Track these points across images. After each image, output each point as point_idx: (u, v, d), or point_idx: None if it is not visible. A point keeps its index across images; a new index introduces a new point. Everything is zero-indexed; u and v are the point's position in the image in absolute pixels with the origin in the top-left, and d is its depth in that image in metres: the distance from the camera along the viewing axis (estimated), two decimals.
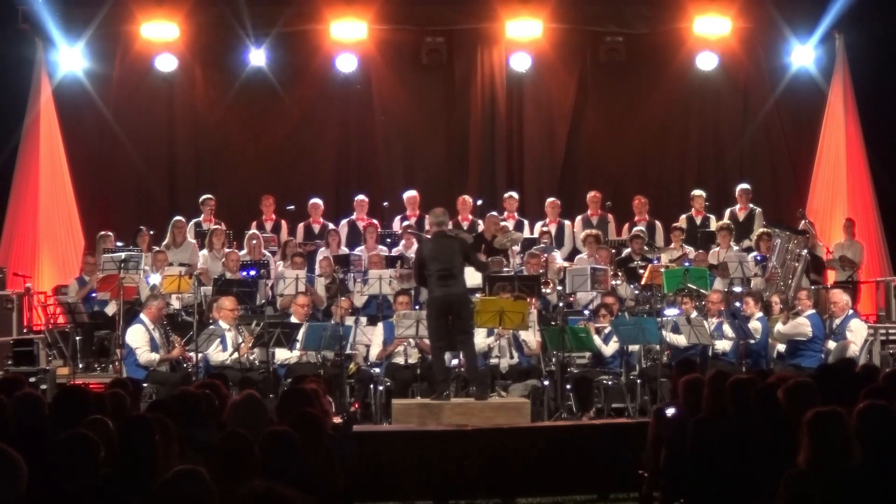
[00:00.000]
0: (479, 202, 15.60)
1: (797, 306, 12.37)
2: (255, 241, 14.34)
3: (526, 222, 15.57)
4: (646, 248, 14.60)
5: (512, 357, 12.30)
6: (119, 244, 14.53)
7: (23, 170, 15.82)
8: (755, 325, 12.25)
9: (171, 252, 14.30)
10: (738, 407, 6.51)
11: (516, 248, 14.31)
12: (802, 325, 12.06)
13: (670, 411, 7.64)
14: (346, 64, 16.46)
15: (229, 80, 16.67)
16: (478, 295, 12.37)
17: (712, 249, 14.57)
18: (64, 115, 16.13)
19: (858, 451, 5.03)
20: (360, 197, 15.69)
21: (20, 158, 15.80)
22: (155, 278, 13.24)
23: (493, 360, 12.05)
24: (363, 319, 12.94)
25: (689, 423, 6.71)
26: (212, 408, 6.86)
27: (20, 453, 4.36)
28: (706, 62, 16.65)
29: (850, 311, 12.48)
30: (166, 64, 16.30)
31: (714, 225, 15.31)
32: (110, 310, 13.29)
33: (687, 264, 13.66)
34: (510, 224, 15.13)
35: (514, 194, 15.87)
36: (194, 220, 15.18)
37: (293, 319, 12.23)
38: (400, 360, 12.16)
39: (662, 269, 13.35)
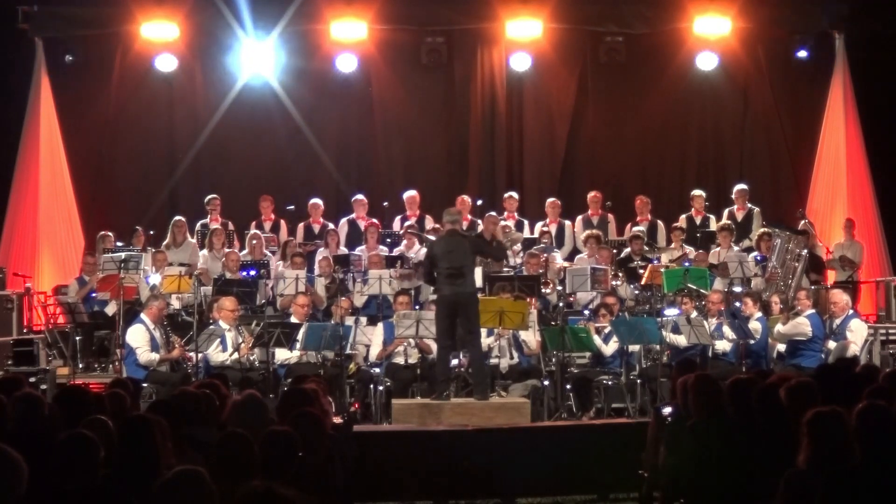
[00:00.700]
0: (479, 202, 15.59)
1: (797, 306, 12.37)
2: (255, 241, 14.34)
3: (526, 222, 15.57)
4: (646, 248, 14.60)
5: (512, 357, 12.31)
6: (119, 244, 14.53)
7: (23, 170, 15.82)
8: (755, 325, 12.25)
9: (171, 252, 14.30)
10: (738, 407, 6.51)
11: (516, 247, 14.31)
12: (802, 325, 12.06)
13: (667, 410, 7.65)
14: (346, 64, 16.45)
15: (229, 80, 16.65)
16: (478, 295, 12.38)
17: (713, 249, 14.57)
18: (64, 115, 16.12)
19: (858, 451, 5.04)
20: (359, 196, 15.68)
21: (20, 158, 15.81)
22: (155, 278, 13.25)
23: (493, 360, 12.05)
24: (363, 319, 12.94)
25: (688, 422, 6.71)
26: (212, 408, 6.86)
27: (20, 453, 4.36)
28: (706, 62, 16.64)
29: (851, 311, 12.48)
30: (166, 64, 16.29)
31: (714, 225, 15.31)
32: (110, 310, 13.30)
33: (687, 264, 13.66)
34: (510, 224, 15.12)
35: (514, 194, 15.87)
36: (201, 221, 15.16)
37: (293, 319, 12.24)
38: (400, 360, 12.16)
39: (662, 269, 13.36)
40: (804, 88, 16.92)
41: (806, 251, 13.82)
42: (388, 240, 14.99)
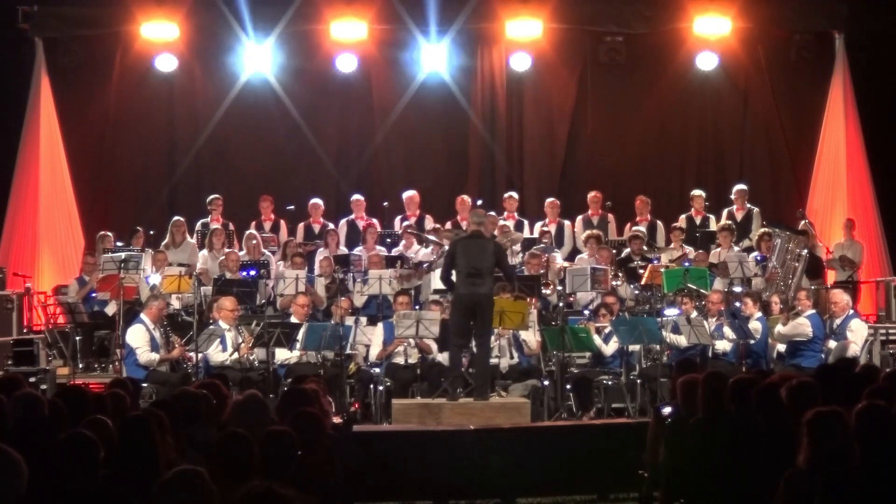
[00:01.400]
0: (479, 202, 15.58)
1: (797, 306, 12.37)
2: (254, 241, 14.34)
3: (526, 222, 15.56)
4: (645, 248, 14.60)
5: (512, 357, 12.31)
6: (119, 244, 14.52)
7: (23, 170, 15.83)
8: (755, 325, 12.25)
9: (171, 252, 14.30)
10: (739, 406, 6.51)
11: (516, 248, 14.31)
12: (802, 326, 12.06)
13: (666, 410, 7.65)
14: (346, 64, 16.45)
15: (229, 80, 16.65)
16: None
17: (713, 249, 14.56)
18: (64, 115, 16.12)
19: (858, 451, 5.04)
20: (357, 197, 15.68)
21: (20, 158, 15.81)
22: (155, 278, 13.25)
23: (493, 360, 12.04)
24: (363, 319, 12.94)
25: (688, 422, 6.70)
26: (212, 408, 6.86)
27: (20, 453, 4.36)
28: (706, 62, 16.64)
29: (851, 311, 12.48)
30: (166, 64, 16.29)
31: (714, 225, 15.31)
32: (110, 310, 13.30)
33: (687, 264, 13.66)
34: (510, 224, 15.13)
35: (514, 194, 15.87)
36: (201, 221, 15.16)
37: (293, 319, 12.24)
38: (400, 360, 12.16)
39: (662, 269, 13.36)
40: (804, 88, 16.92)
41: (806, 251, 13.82)
42: (388, 240, 15.00)
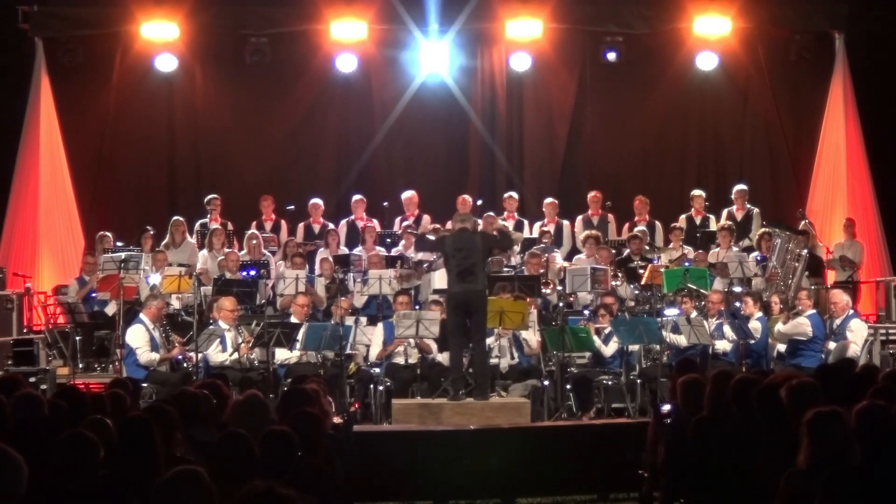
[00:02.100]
0: (479, 202, 15.59)
1: (797, 306, 12.37)
2: (254, 241, 14.34)
3: (526, 222, 15.56)
4: (646, 247, 14.60)
5: (512, 357, 12.31)
6: (119, 244, 14.52)
7: (23, 170, 15.82)
8: (755, 325, 12.25)
9: (171, 252, 14.30)
10: (739, 406, 6.51)
11: (516, 248, 14.31)
12: (803, 325, 12.06)
13: (665, 408, 7.65)
14: (346, 64, 16.45)
15: (229, 80, 16.67)
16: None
17: (712, 249, 14.56)
18: (64, 115, 16.12)
19: (858, 451, 5.03)
20: (357, 197, 15.68)
21: (20, 158, 15.80)
22: (155, 278, 13.24)
23: (493, 360, 12.04)
24: (363, 319, 12.94)
25: (688, 422, 6.70)
26: (212, 408, 6.86)
27: (20, 453, 4.36)
28: (706, 62, 16.64)
29: (851, 311, 12.48)
30: (166, 64, 16.29)
31: (714, 225, 15.30)
32: (110, 310, 13.30)
33: (687, 264, 13.66)
34: (510, 224, 15.12)
35: (514, 194, 15.87)
36: (200, 221, 15.16)
37: (293, 319, 12.23)
38: (400, 360, 12.16)
39: (662, 269, 13.35)
40: (804, 88, 16.92)
41: (806, 251, 13.82)
42: (388, 240, 15.00)
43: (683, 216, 15.59)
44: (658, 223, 15.57)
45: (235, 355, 11.80)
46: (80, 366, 12.73)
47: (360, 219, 15.45)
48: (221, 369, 11.36)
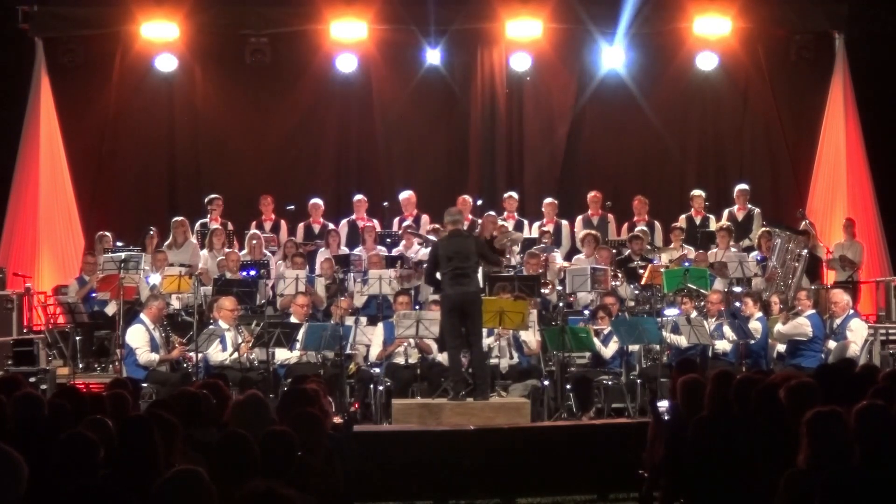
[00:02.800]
0: (479, 202, 15.59)
1: (797, 306, 12.37)
2: (255, 241, 14.34)
3: (526, 222, 15.56)
4: (647, 247, 14.59)
5: (512, 357, 12.31)
6: (119, 244, 14.52)
7: (23, 170, 15.82)
8: (755, 325, 12.25)
9: (172, 252, 14.29)
10: (740, 406, 6.51)
11: (516, 248, 14.31)
12: (802, 326, 12.06)
13: (663, 404, 7.65)
14: (346, 64, 16.45)
15: (229, 80, 16.67)
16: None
17: (711, 249, 14.56)
18: (64, 115, 16.12)
19: (858, 451, 5.03)
20: (359, 197, 15.69)
21: (20, 158, 15.80)
22: (155, 278, 13.24)
23: (493, 360, 12.05)
24: (363, 319, 12.93)
25: (688, 422, 6.70)
26: (212, 408, 6.86)
27: (20, 453, 4.36)
28: (706, 62, 16.64)
29: (851, 311, 12.48)
30: (166, 64, 16.29)
31: (714, 225, 15.30)
32: (110, 310, 13.29)
33: (687, 264, 13.65)
34: (510, 224, 15.13)
35: (514, 194, 15.87)
36: (200, 221, 15.16)
37: (293, 319, 12.23)
38: (400, 360, 12.16)
39: (662, 269, 13.35)
40: (804, 88, 16.92)
41: (806, 251, 13.82)
42: (388, 240, 15.00)
43: (683, 216, 15.59)
44: (658, 223, 15.56)
45: (235, 355, 11.80)
46: (80, 366, 12.73)
47: (361, 219, 15.45)
48: (221, 369, 11.37)
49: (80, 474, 4.81)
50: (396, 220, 15.57)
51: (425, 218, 15.32)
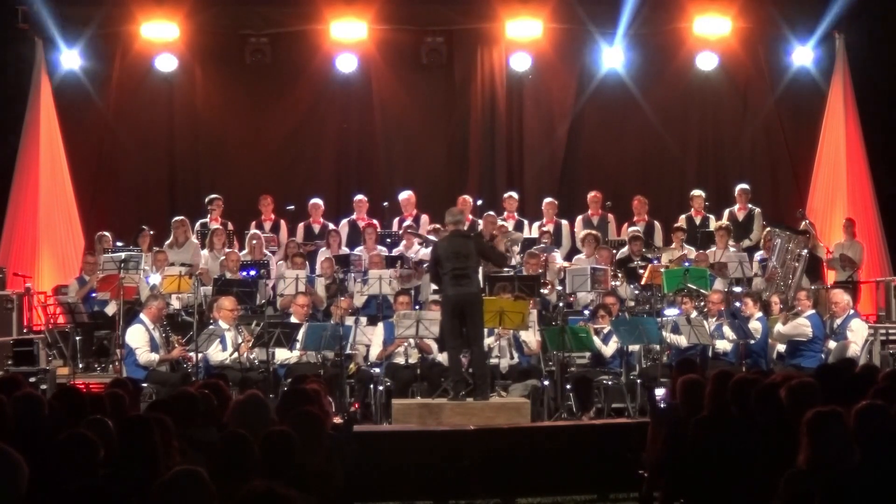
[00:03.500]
0: (479, 202, 15.60)
1: (797, 306, 12.37)
2: (255, 241, 14.34)
3: (526, 222, 15.56)
4: (645, 248, 14.59)
5: (512, 357, 12.30)
6: (119, 244, 14.52)
7: (23, 170, 15.82)
8: (755, 325, 12.24)
9: (173, 252, 14.29)
10: (740, 406, 6.51)
11: (516, 248, 14.31)
12: (803, 326, 12.06)
13: (660, 392, 7.64)
14: (346, 64, 16.46)
15: (229, 80, 16.68)
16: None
17: (710, 249, 14.56)
18: (64, 115, 16.12)
19: (858, 451, 5.03)
20: (360, 197, 15.70)
21: (20, 158, 15.80)
22: (155, 278, 13.24)
23: (493, 360, 12.05)
24: (363, 319, 12.93)
25: (688, 422, 6.70)
26: (212, 408, 6.86)
27: (20, 453, 4.36)
28: (706, 62, 16.65)
29: (851, 311, 12.48)
30: (166, 64, 16.30)
31: (714, 225, 15.30)
32: (110, 310, 13.29)
33: (687, 264, 13.65)
34: (510, 224, 15.13)
35: (514, 194, 15.87)
36: (200, 221, 15.15)
37: (293, 319, 12.23)
38: (400, 360, 12.16)
39: (662, 269, 13.35)
40: (804, 89, 16.91)
41: (806, 251, 13.82)
42: (388, 240, 15.00)
43: (683, 216, 15.59)
44: (657, 223, 15.57)
45: (235, 355, 11.80)
46: (80, 366, 12.73)
47: (362, 219, 15.45)
48: (221, 369, 11.36)
49: (80, 474, 4.81)
50: (396, 220, 15.57)
51: (425, 218, 15.32)
